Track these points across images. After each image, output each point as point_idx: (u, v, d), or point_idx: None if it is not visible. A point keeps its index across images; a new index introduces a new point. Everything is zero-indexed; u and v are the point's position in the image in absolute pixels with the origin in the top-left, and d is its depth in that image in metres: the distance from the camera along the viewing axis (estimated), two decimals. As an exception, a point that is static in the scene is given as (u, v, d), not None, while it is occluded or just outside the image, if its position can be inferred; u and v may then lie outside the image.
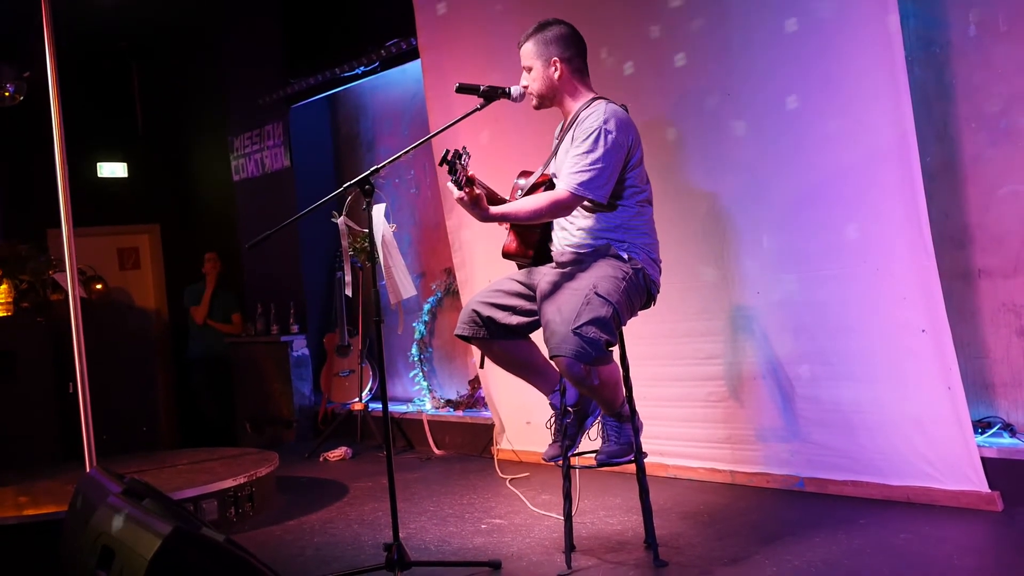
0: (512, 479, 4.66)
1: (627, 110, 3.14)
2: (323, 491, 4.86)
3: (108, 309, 6.91)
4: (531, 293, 3.13)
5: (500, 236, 3.37)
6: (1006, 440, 3.60)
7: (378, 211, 5.09)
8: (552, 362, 2.95)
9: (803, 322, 3.89)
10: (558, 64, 3.14)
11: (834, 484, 3.82)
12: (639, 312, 3.16)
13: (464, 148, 2.81)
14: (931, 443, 3.52)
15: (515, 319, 3.16)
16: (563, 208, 3.03)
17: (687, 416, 4.30)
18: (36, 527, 3.71)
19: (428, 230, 6.44)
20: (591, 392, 3.03)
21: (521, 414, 5.05)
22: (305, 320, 7.03)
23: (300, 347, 6.95)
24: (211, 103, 7.96)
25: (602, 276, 2.98)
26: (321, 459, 5.83)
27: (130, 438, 6.03)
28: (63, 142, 4.11)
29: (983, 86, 3.68)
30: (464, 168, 2.80)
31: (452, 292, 6.06)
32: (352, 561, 3.48)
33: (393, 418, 5.90)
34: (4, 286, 6.08)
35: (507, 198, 3.23)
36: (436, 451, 5.75)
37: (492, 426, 5.36)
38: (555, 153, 3.23)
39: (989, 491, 3.41)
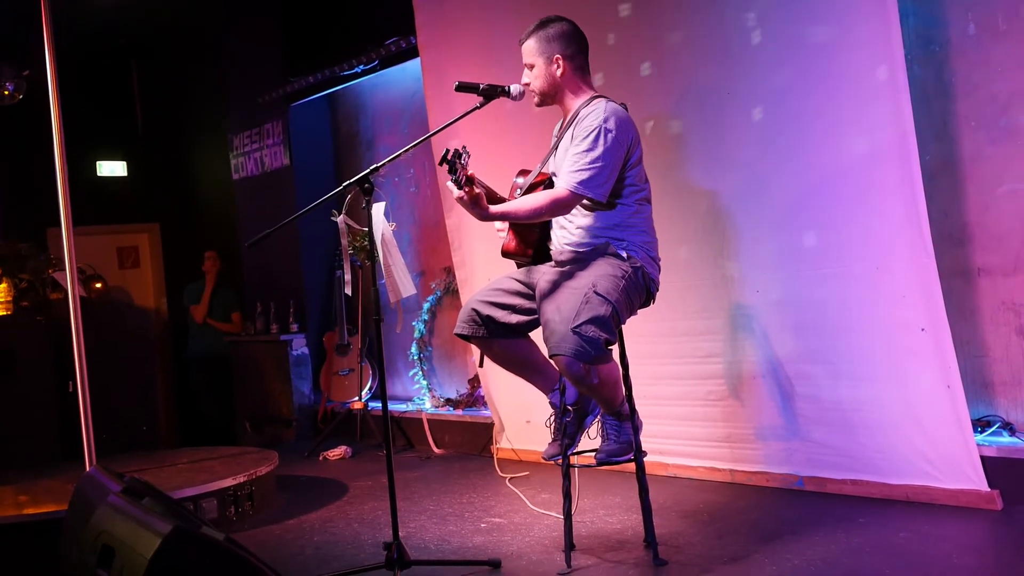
0: (512, 478, 4.66)
1: (627, 108, 3.14)
2: (323, 490, 4.86)
3: (108, 308, 6.90)
4: (530, 292, 3.13)
5: (500, 235, 3.37)
6: (1005, 439, 3.60)
7: (378, 210, 5.10)
8: (551, 361, 2.95)
9: (803, 321, 3.88)
10: (560, 61, 3.14)
11: (833, 483, 3.82)
12: (638, 311, 3.16)
13: (464, 147, 2.79)
14: (931, 442, 3.52)
15: (515, 318, 3.15)
16: (563, 206, 3.03)
17: (687, 415, 4.30)
18: (36, 526, 3.71)
19: (428, 229, 6.44)
20: (590, 391, 3.03)
21: (521, 413, 5.05)
22: (305, 319, 7.03)
23: (300, 346, 6.94)
24: (211, 102, 7.96)
25: (601, 275, 2.98)
26: (321, 458, 5.82)
27: (130, 437, 6.02)
28: (63, 141, 4.11)
29: (983, 84, 3.68)
30: (464, 167, 2.79)
31: (452, 291, 6.05)
32: (352, 560, 3.48)
33: (393, 417, 5.90)
34: (4, 285, 6.07)
35: (506, 197, 3.23)
36: (436, 450, 5.75)
37: (492, 425, 5.36)
38: (554, 151, 3.23)
39: (988, 490, 3.41)
